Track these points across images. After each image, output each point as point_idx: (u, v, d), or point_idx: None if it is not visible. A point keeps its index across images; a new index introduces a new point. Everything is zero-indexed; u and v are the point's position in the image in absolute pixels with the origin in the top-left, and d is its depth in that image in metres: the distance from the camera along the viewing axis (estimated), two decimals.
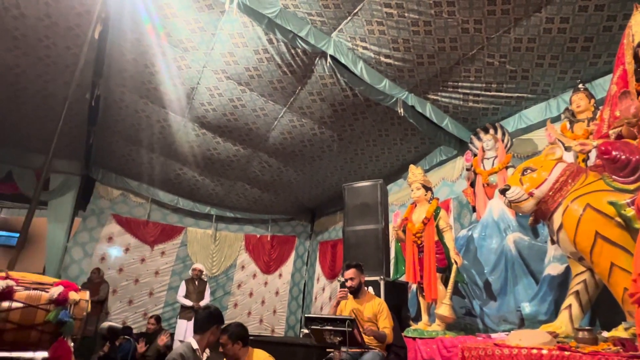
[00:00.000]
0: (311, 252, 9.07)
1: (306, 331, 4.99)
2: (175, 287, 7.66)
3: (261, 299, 8.59)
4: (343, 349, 2.83)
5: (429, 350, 3.59)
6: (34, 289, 2.42)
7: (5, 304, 2.30)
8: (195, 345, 2.94)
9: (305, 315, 3.00)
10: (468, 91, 4.74)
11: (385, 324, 3.22)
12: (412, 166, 4.38)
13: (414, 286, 4.47)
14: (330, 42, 4.41)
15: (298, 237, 9.19)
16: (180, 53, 5.08)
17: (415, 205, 4.25)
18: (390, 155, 6.34)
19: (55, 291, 2.35)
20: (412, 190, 4.27)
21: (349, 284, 3.36)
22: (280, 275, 8.92)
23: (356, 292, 3.37)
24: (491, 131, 4.80)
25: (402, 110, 4.78)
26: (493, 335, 3.35)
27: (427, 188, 4.22)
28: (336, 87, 5.07)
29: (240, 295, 8.43)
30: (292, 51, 4.69)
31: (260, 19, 4.23)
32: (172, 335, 6.15)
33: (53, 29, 4.80)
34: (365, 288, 3.56)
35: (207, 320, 2.95)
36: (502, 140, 4.67)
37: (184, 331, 5.93)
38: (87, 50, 4.48)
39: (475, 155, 4.86)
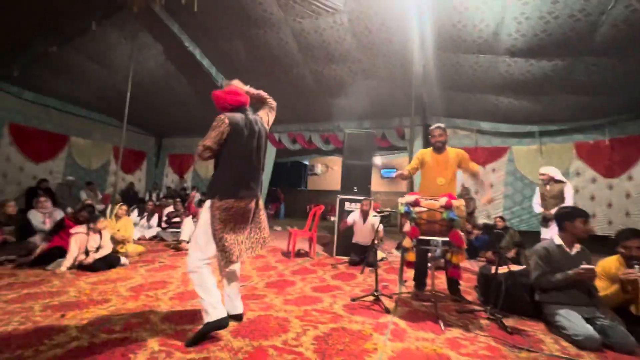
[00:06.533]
0: None
1: None
2: (510, 194, 9.18)
3: (606, 202, 8.42)
4: None
5: None
6: (429, 199, 4.11)
7: (417, 209, 3.89)
8: (557, 241, 3.44)
9: None
10: None
11: None
12: None
13: None
14: None
15: None
16: None
17: None
18: None
19: (443, 200, 4.02)
20: None
21: None
22: (630, 177, 8.32)
23: None
24: None
25: None
26: None
27: None
28: None
29: (579, 200, 8.59)
30: None
31: None
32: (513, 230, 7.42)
33: (385, 33, 6.82)
34: None
35: (558, 221, 3.50)
36: None
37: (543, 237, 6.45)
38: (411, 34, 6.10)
39: None
